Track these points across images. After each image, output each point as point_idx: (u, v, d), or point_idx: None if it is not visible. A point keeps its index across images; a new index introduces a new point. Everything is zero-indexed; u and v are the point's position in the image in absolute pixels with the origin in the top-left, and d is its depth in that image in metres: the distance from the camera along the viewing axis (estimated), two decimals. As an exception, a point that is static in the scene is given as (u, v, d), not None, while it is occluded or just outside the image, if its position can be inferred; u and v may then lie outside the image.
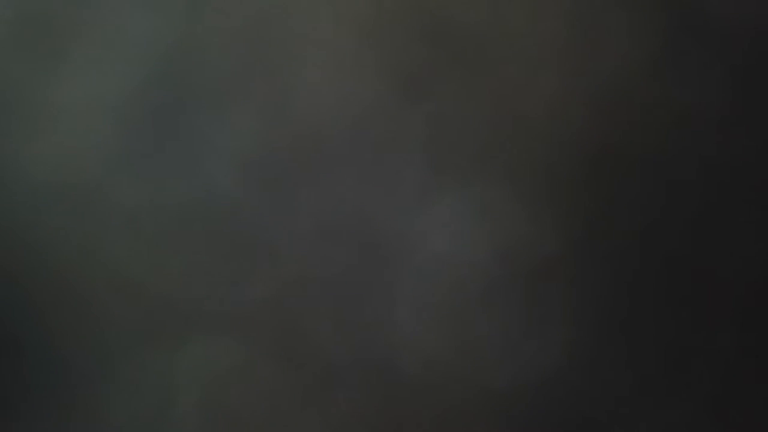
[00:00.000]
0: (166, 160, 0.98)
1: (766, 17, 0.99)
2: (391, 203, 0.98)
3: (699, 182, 0.99)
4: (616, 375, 0.98)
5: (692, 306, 0.98)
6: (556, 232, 0.98)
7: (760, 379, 0.98)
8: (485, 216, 0.98)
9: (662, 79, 0.99)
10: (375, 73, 0.99)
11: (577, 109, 0.99)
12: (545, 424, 0.98)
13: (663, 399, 0.98)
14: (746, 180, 0.99)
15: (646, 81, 0.99)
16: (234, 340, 0.97)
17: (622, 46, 0.99)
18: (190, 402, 0.97)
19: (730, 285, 0.99)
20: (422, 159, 0.99)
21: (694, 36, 0.99)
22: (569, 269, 0.98)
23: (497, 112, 0.99)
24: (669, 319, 0.98)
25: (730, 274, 0.99)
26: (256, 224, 0.98)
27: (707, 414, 0.98)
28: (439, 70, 0.99)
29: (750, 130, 0.99)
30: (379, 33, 0.99)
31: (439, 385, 0.98)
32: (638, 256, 0.98)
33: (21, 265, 0.97)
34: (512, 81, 0.99)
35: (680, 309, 0.98)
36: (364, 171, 0.99)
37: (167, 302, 0.97)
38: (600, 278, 0.98)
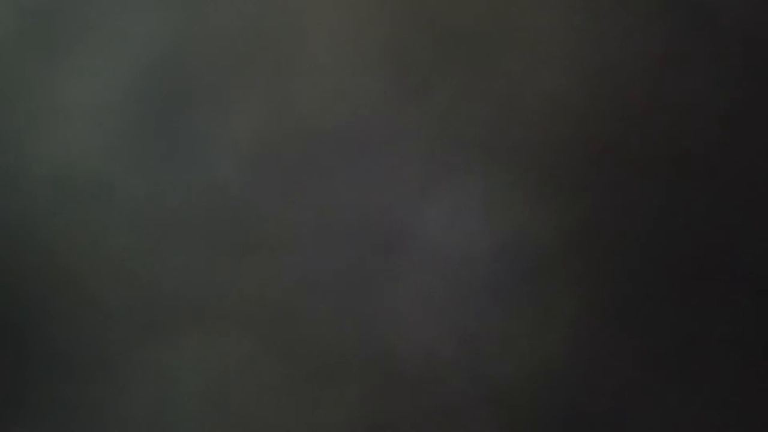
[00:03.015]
0: (168, 155, 0.99)
1: (769, 12, 0.99)
2: (393, 197, 0.98)
3: (701, 179, 0.99)
4: (617, 369, 0.98)
5: (693, 302, 0.98)
6: (558, 227, 0.98)
7: (761, 374, 0.98)
8: (487, 210, 0.98)
9: (664, 76, 0.99)
10: (377, 67, 0.99)
11: (579, 105, 0.99)
12: (546, 417, 0.98)
13: (664, 393, 0.98)
14: (748, 177, 0.99)
15: (648, 77, 0.99)
16: (236, 334, 0.98)
17: (624, 42, 0.99)
18: (191, 396, 0.97)
19: (731, 281, 0.98)
20: (425, 153, 0.99)
21: (697, 33, 0.99)
22: (571, 263, 0.98)
23: (500, 106, 0.99)
24: (670, 314, 0.98)
25: (732, 270, 0.98)
26: (258, 218, 0.98)
27: (708, 408, 0.98)
28: (442, 64, 0.99)
29: (752, 127, 0.99)
30: (382, 27, 0.99)
31: (440, 378, 0.98)
32: (640, 251, 0.98)
33: (24, 260, 0.98)
34: (515, 76, 0.99)
35: (681, 304, 0.98)
36: (366, 165, 0.99)
37: (169, 297, 0.98)
38: (601, 272, 0.98)
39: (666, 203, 0.99)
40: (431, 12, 0.99)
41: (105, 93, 0.99)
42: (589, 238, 0.98)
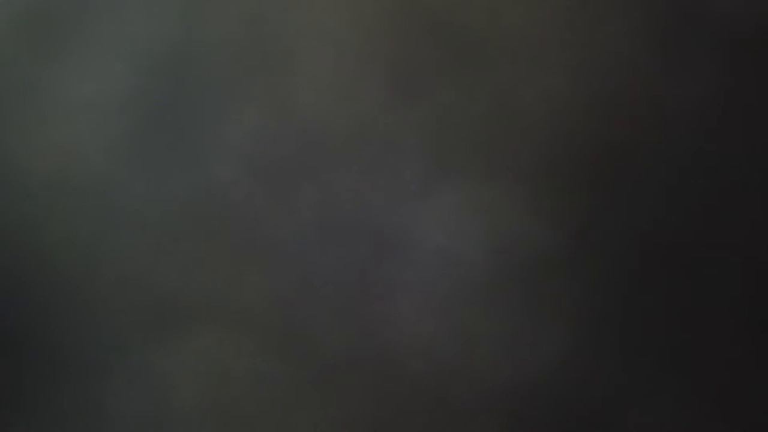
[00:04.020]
0: (168, 156, 0.98)
1: None
2: (392, 199, 0.98)
3: (700, 179, 0.99)
4: (617, 371, 0.98)
5: (693, 303, 0.98)
6: (557, 229, 0.98)
7: (761, 374, 0.98)
8: (486, 212, 0.98)
9: (663, 76, 0.99)
10: (376, 69, 0.99)
11: (578, 106, 0.99)
12: (546, 419, 0.98)
13: (664, 395, 0.98)
14: (748, 177, 0.99)
15: (647, 78, 0.99)
16: (235, 336, 0.97)
17: (623, 42, 0.99)
18: (191, 398, 0.97)
19: (731, 282, 0.98)
20: (423, 155, 0.99)
21: (696, 32, 0.99)
22: (570, 265, 0.98)
23: (498, 108, 0.99)
24: (669, 316, 0.98)
25: (732, 272, 0.98)
26: (258, 220, 0.98)
27: (708, 410, 0.98)
28: (440, 66, 0.99)
29: (753, 127, 0.99)
30: (381, 30, 0.99)
31: (440, 380, 0.98)
32: (639, 252, 0.98)
33: (22, 260, 0.98)
34: (513, 77, 0.99)
35: (681, 306, 0.98)
36: (365, 167, 0.99)
37: (169, 298, 0.98)
38: (600, 274, 0.98)
39: (665, 203, 0.99)
40: (431, 13, 1.00)
41: (104, 94, 0.99)
42: (588, 239, 0.98)
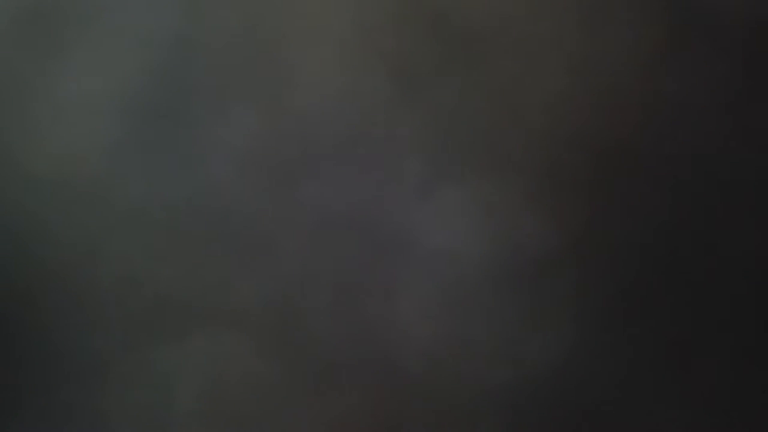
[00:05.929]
0: (167, 156, 0.98)
1: (768, 12, 0.99)
2: (391, 199, 0.98)
3: (702, 179, 0.99)
4: (617, 371, 0.98)
5: (693, 302, 0.98)
6: (558, 228, 0.98)
7: (761, 374, 0.98)
8: (486, 211, 0.98)
9: (665, 75, 0.99)
10: (376, 68, 0.99)
11: (579, 105, 0.99)
12: (546, 419, 0.98)
13: (664, 395, 0.98)
14: (749, 177, 0.99)
15: (649, 77, 0.99)
16: (234, 335, 0.98)
17: (625, 41, 0.99)
18: (190, 398, 0.97)
19: (731, 282, 0.98)
20: (423, 154, 0.99)
21: (698, 31, 0.99)
22: (570, 265, 0.98)
23: (499, 107, 0.99)
24: (669, 315, 0.98)
25: (731, 271, 0.98)
26: (257, 220, 0.98)
27: (708, 409, 0.98)
28: (441, 65, 0.99)
29: (754, 127, 0.99)
30: (381, 28, 0.99)
31: (439, 380, 0.98)
32: (639, 251, 0.98)
33: (21, 261, 0.98)
34: (514, 76, 0.99)
35: (681, 306, 0.98)
36: (365, 167, 0.99)
37: (168, 298, 0.98)
38: (601, 274, 0.98)
39: (665, 203, 0.99)
40: (431, 12, 0.99)
41: (104, 93, 0.99)
42: (588, 239, 0.98)
